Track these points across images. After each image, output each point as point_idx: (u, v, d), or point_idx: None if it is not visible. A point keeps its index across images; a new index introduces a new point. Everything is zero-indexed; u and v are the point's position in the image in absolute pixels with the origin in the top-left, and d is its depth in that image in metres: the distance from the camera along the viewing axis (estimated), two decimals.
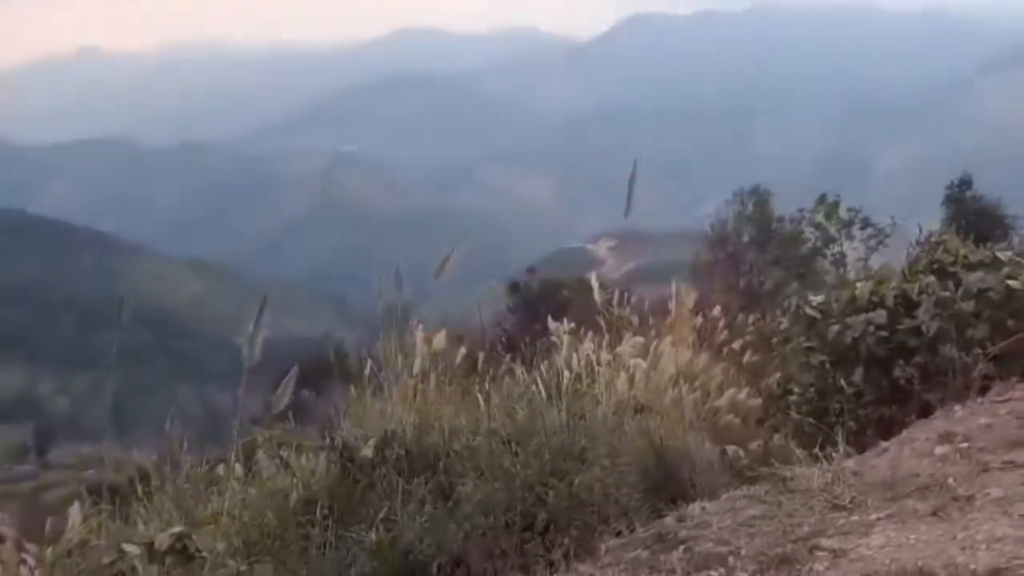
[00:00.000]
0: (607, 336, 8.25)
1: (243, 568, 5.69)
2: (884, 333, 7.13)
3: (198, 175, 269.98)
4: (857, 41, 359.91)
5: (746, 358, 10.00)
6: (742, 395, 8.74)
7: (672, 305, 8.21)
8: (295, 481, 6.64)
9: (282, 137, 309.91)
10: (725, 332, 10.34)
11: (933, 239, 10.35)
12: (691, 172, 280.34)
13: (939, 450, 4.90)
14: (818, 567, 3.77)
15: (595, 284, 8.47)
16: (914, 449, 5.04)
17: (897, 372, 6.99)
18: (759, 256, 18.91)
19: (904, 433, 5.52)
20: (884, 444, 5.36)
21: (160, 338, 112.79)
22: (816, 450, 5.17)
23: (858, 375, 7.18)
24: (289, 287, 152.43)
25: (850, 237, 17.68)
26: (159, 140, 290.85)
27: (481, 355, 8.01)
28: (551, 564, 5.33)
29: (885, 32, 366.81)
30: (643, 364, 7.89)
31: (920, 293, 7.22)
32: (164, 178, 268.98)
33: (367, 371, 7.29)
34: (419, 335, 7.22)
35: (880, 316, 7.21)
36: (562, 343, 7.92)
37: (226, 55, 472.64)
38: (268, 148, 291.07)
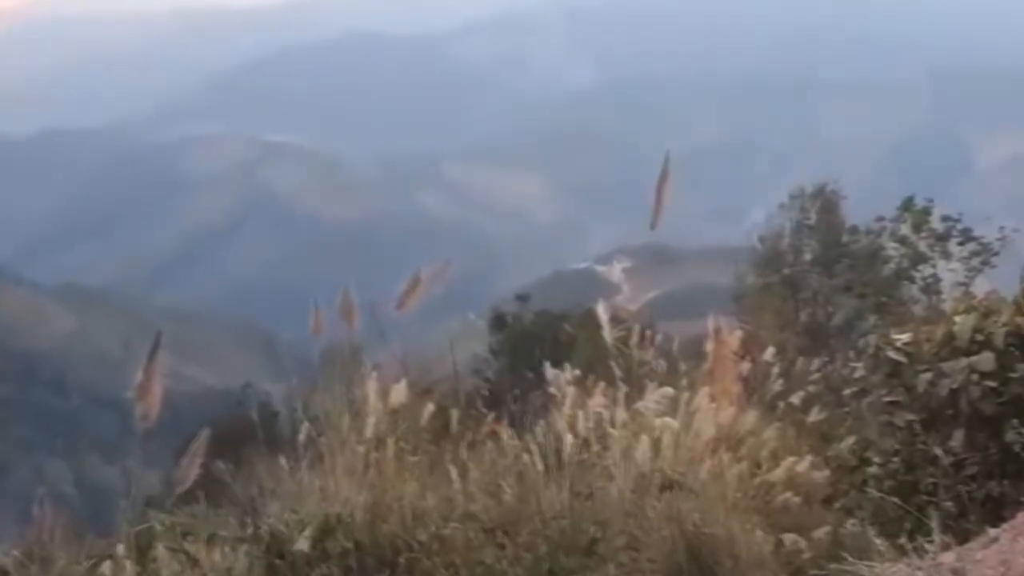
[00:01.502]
0: (624, 388, 8.25)
1: None
2: (992, 383, 7.15)
3: (67, 173, 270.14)
4: None
5: (809, 416, 10.01)
6: (804, 466, 8.73)
7: (710, 346, 8.21)
8: None
9: (185, 122, 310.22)
10: (780, 382, 10.35)
11: None
12: (732, 167, 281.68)
13: None
14: None
15: (606, 317, 8.48)
16: None
17: (1010, 435, 7.01)
18: (825, 280, 18.98)
19: (1020, 517, 5.53)
20: (992, 532, 5.37)
21: (22, 391, 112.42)
22: (903, 540, 5.18)
23: (958, 439, 7.20)
24: (197, 321, 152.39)
25: (946, 255, 17.66)
26: (11, 126, 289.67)
27: (455, 413, 8.01)
28: None
29: None
30: (672, 425, 7.89)
31: None
32: (20, 177, 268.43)
33: (302, 435, 7.28)
34: (373, 386, 7.22)
35: (987, 361, 7.22)
36: (564, 397, 7.92)
37: (106, 15, 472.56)
38: (165, 136, 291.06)
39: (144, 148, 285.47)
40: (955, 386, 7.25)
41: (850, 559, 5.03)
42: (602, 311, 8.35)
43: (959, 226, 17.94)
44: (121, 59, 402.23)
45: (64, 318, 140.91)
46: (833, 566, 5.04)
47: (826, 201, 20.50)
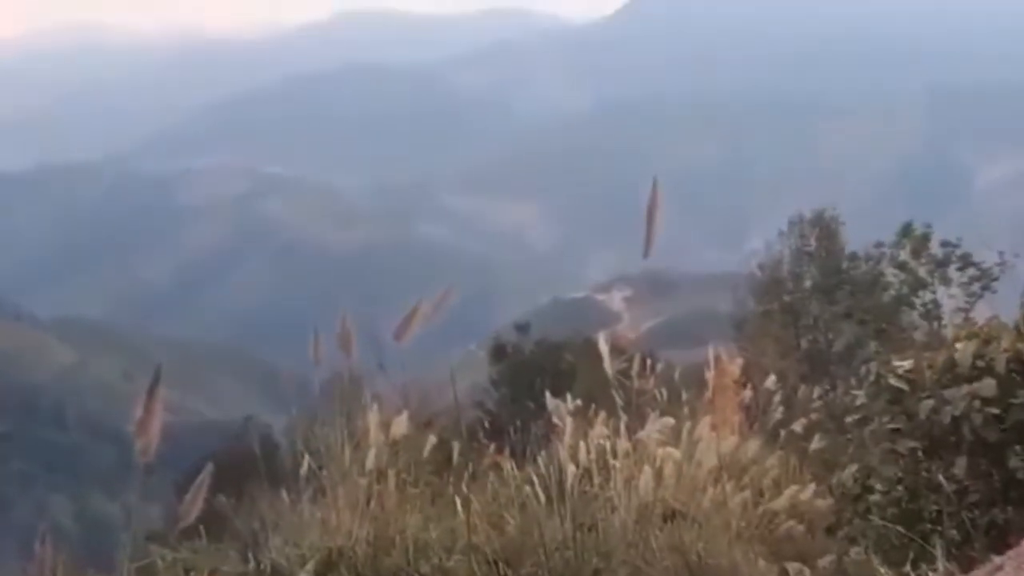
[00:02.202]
0: (625, 417, 8.25)
1: None
2: (995, 410, 7.14)
3: (65, 206, 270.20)
4: (939, 14, 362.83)
5: (811, 444, 10.01)
6: (806, 494, 8.74)
7: (711, 374, 8.22)
8: None
9: (182, 154, 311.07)
10: (782, 409, 10.36)
11: None
12: (729, 192, 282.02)
13: None
14: None
15: (606, 347, 8.48)
16: None
17: (1013, 462, 7.00)
18: (826, 307, 18.98)
19: None
20: (997, 560, 5.36)
21: (22, 425, 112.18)
22: (907, 568, 5.17)
23: (960, 466, 7.18)
24: (196, 354, 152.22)
25: (945, 281, 17.63)
26: (11, 160, 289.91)
27: (457, 445, 8.01)
28: None
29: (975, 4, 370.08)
30: (674, 454, 7.90)
31: None
32: (18, 211, 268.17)
33: (304, 468, 7.28)
34: (374, 418, 7.22)
35: (989, 387, 7.22)
36: (565, 427, 7.92)
37: (105, 45, 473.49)
38: (163, 168, 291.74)
39: (142, 180, 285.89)
40: (957, 413, 7.24)
41: None
42: (603, 341, 8.33)
43: (958, 251, 17.92)
44: (119, 90, 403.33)
45: (63, 351, 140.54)
46: None
47: (825, 227, 20.53)
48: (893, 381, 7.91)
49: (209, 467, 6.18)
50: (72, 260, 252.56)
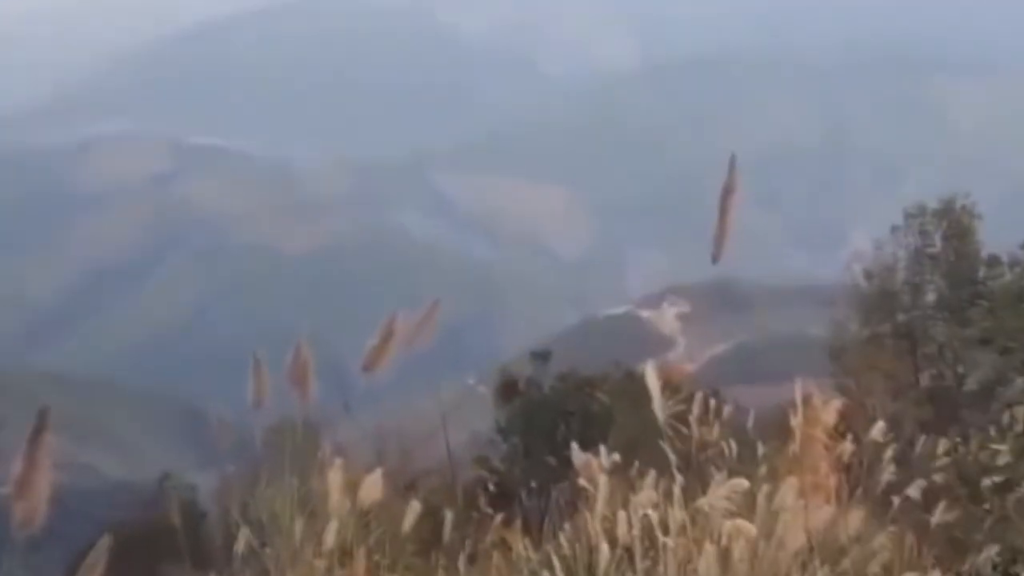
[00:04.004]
0: (681, 478, 8.23)
1: None
2: None
3: None
4: None
5: (935, 516, 9.97)
6: None
7: (797, 421, 8.19)
8: None
9: (80, 119, 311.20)
10: (895, 469, 10.32)
11: None
12: (820, 176, 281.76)
13: None
14: None
15: (656, 382, 8.46)
16: None
17: None
18: (955, 329, 18.95)
19: None
20: None
21: None
22: None
23: None
24: (94, 391, 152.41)
25: None
26: None
27: (450, 515, 7.98)
28: None
29: None
30: (747, 529, 7.86)
31: None
32: None
33: (240, 545, 7.26)
34: (336, 478, 7.20)
35: None
36: (598, 491, 7.90)
37: None
38: (54, 138, 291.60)
39: (25, 153, 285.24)
40: None
41: None
42: (650, 374, 8.30)
43: None
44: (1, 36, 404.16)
45: None
46: None
47: (955, 222, 20.50)
48: None
49: (107, 541, 6.18)
50: None
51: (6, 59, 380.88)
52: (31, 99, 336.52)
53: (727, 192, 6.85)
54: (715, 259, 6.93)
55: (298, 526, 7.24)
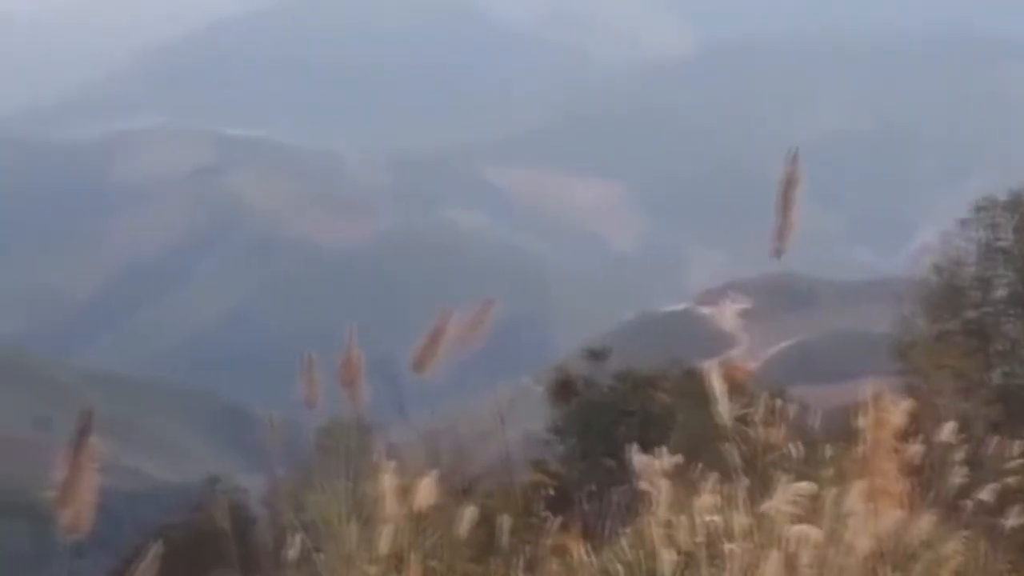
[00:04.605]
0: (744, 481, 8.17)
1: None
2: None
3: None
4: None
5: (1008, 521, 9.89)
6: None
7: (864, 420, 8.11)
8: None
9: (114, 112, 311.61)
10: (966, 471, 10.25)
11: None
12: (883, 165, 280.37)
13: None
14: None
15: (717, 382, 8.40)
16: None
17: None
18: None
19: None
20: None
21: None
22: None
23: None
24: (138, 391, 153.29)
25: None
26: None
27: (506, 519, 7.94)
28: None
29: None
30: (814, 534, 7.79)
31: None
32: None
33: (292, 550, 7.23)
34: (389, 482, 7.16)
35: None
36: (659, 495, 7.85)
37: None
38: (88, 132, 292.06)
39: (58, 149, 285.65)
40: None
41: None
42: (713, 373, 8.25)
43: None
44: (24, 28, 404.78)
45: None
46: None
47: None
48: None
49: (158, 547, 6.17)
50: None
51: (39, 52, 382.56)
52: (66, 92, 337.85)
53: (789, 185, 6.81)
54: (778, 253, 6.90)
55: (351, 531, 7.23)
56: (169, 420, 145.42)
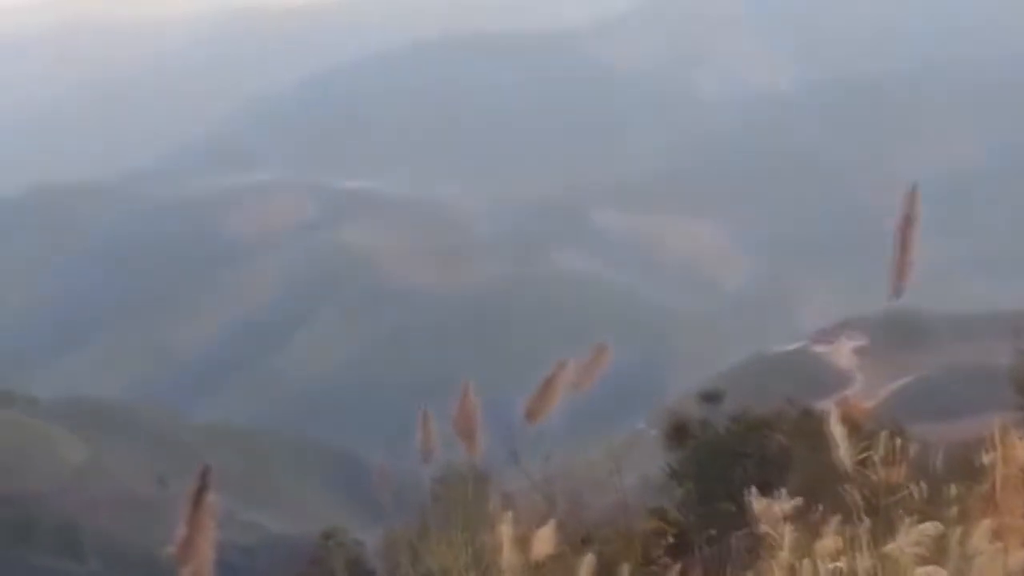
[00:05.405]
0: (866, 522, 8.15)
1: None
2: None
3: (66, 241, 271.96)
4: None
5: None
6: None
7: (990, 458, 8.08)
8: None
9: (224, 168, 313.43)
10: None
11: None
12: (1008, 200, 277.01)
13: None
14: None
15: (837, 422, 8.40)
16: None
17: None
18: None
19: None
20: None
21: (19, 552, 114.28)
22: None
23: None
24: (252, 443, 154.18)
25: None
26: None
27: (627, 568, 7.98)
28: None
29: None
30: None
31: None
32: (2, 249, 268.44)
33: None
34: (507, 531, 7.22)
35: None
36: (779, 538, 7.85)
37: (112, 27, 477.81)
38: (200, 189, 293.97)
39: (171, 206, 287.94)
40: None
41: None
42: (832, 413, 8.26)
43: None
44: (135, 84, 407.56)
45: (71, 445, 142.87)
46: None
47: None
48: None
49: None
50: (77, 320, 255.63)
51: (143, 107, 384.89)
52: (171, 151, 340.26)
53: (907, 223, 6.78)
54: (896, 292, 6.87)
55: None
56: (285, 472, 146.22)
